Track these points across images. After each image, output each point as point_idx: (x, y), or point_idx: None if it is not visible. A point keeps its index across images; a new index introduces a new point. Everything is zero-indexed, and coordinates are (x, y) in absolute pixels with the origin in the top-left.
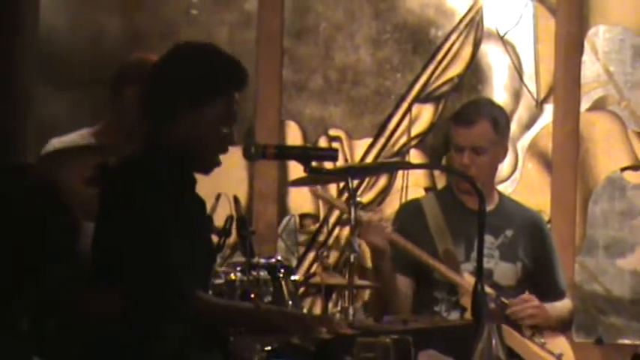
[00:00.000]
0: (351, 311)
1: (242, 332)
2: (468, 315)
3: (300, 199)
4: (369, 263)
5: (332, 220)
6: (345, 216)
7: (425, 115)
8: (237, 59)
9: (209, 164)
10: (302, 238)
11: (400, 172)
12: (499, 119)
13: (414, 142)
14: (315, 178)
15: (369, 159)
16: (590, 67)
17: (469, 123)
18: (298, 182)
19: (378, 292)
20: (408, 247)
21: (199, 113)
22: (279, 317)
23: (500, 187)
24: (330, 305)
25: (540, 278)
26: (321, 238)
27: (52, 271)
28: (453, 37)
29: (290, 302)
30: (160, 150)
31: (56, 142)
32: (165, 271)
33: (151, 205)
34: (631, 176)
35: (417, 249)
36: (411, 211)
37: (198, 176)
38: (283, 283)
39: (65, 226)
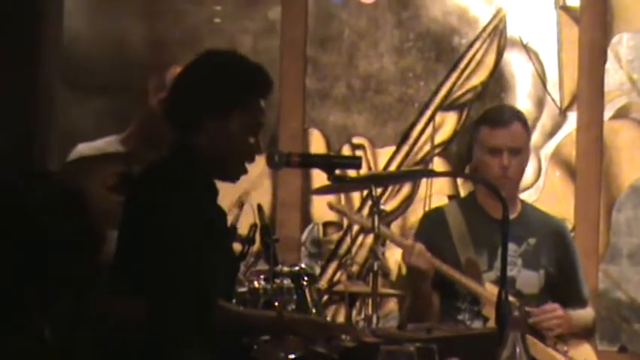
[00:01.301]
0: (374, 319)
1: (267, 340)
2: (490, 325)
3: (324, 208)
4: (393, 275)
5: (355, 228)
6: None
7: (448, 123)
8: (261, 66)
9: (236, 173)
10: (325, 246)
11: (424, 180)
12: (526, 121)
13: (437, 150)
14: (338, 187)
15: (393, 167)
16: (614, 75)
17: (506, 124)
18: (322, 190)
19: (413, 309)
20: (443, 268)
21: (226, 123)
22: (303, 325)
23: (524, 195)
24: (354, 313)
25: (563, 286)
26: (345, 246)
27: (78, 278)
28: (477, 45)
29: (313, 310)
30: (187, 159)
31: (83, 148)
32: (190, 281)
33: (176, 214)
34: None
35: (449, 268)
36: (433, 220)
37: (222, 184)
38: (307, 291)
39: (91, 233)
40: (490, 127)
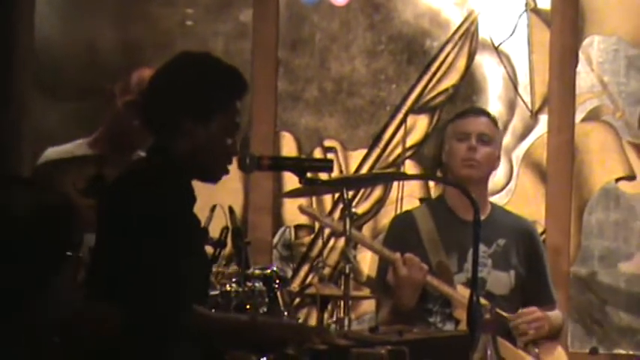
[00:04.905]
0: (346, 322)
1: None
2: (462, 327)
3: (295, 211)
4: (364, 275)
5: (327, 231)
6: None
7: (420, 125)
8: (235, 68)
9: (218, 174)
10: (297, 249)
11: (395, 183)
12: (497, 123)
13: (408, 153)
14: (310, 190)
15: (364, 170)
16: (585, 78)
17: (477, 114)
18: (293, 193)
19: (392, 316)
20: (434, 282)
21: (206, 125)
22: (276, 329)
23: (495, 198)
24: (326, 316)
25: (533, 286)
26: (316, 249)
27: (55, 284)
28: (448, 47)
29: (285, 313)
30: (165, 162)
31: (52, 152)
32: (164, 285)
33: (153, 218)
34: (626, 186)
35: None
36: (403, 223)
37: (194, 188)
38: (278, 293)
39: (73, 235)
40: (460, 118)
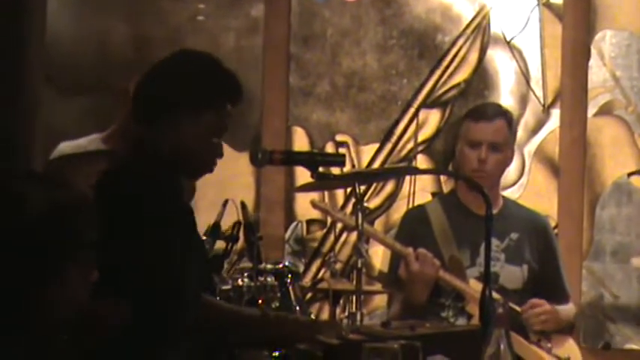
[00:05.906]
0: (358, 316)
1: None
2: (474, 321)
3: (307, 205)
4: (376, 270)
5: (339, 225)
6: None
7: (431, 120)
8: (233, 73)
9: (200, 170)
10: (309, 243)
11: (407, 178)
12: (512, 120)
13: (420, 148)
14: (322, 184)
15: (376, 164)
16: (597, 72)
17: (489, 118)
18: (305, 188)
19: (404, 310)
20: (447, 277)
21: (191, 122)
22: (289, 324)
23: (507, 193)
24: (338, 311)
25: (546, 281)
26: (328, 243)
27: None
28: (460, 42)
29: (297, 308)
30: (151, 155)
31: (65, 147)
32: (171, 280)
33: (142, 212)
34: (638, 181)
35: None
36: (415, 217)
37: (206, 182)
38: (290, 288)
39: (83, 234)
40: (473, 121)
